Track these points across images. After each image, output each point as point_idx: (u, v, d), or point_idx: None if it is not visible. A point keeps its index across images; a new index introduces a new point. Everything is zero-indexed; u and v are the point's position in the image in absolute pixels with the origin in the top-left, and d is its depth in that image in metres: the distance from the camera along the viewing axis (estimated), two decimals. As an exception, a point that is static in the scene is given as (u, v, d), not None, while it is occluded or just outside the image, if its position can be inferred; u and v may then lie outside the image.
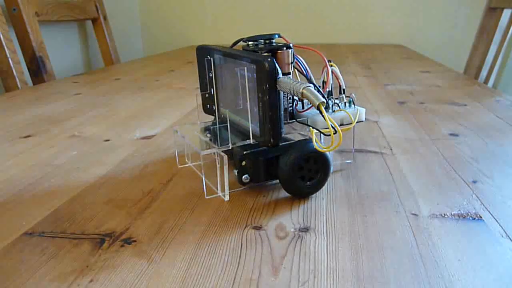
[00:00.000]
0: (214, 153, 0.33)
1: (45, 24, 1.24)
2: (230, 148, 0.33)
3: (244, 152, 0.33)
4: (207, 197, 0.34)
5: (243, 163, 0.33)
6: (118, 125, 0.56)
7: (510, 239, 0.28)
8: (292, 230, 0.29)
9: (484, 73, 1.26)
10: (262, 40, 0.35)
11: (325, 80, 0.36)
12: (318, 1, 1.65)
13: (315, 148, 0.32)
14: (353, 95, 0.37)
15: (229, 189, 0.34)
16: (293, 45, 0.35)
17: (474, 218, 0.31)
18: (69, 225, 0.30)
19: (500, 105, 0.64)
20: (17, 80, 0.96)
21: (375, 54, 1.30)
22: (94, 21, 1.45)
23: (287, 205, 0.33)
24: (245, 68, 0.33)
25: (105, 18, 1.48)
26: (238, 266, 0.25)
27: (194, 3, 1.74)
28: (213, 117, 0.41)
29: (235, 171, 0.34)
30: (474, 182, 0.37)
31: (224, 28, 1.74)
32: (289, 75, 0.35)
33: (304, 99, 0.32)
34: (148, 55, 1.60)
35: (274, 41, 0.35)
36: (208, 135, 0.36)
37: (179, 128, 0.38)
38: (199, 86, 0.40)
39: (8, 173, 0.40)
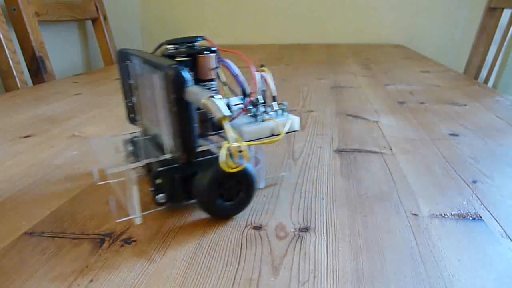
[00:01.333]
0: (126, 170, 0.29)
1: (45, 24, 1.24)
2: (143, 164, 0.29)
3: (159, 169, 0.30)
4: (117, 221, 0.30)
5: (158, 181, 0.30)
6: (118, 125, 0.56)
7: (510, 239, 0.28)
8: (292, 230, 0.29)
9: (484, 73, 1.26)
10: (182, 44, 0.32)
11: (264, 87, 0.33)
12: (318, 1, 1.65)
13: (237, 165, 0.28)
14: (285, 102, 0.34)
15: (145, 210, 0.31)
16: (217, 49, 0.32)
17: (474, 218, 0.31)
18: (69, 225, 0.30)
19: (500, 105, 0.64)
20: (17, 80, 0.96)
21: (375, 54, 1.30)
22: (94, 21, 1.45)
23: (287, 205, 0.33)
24: (156, 76, 0.28)
25: (105, 18, 1.48)
26: (238, 266, 0.25)
27: (194, 3, 1.74)
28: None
29: (150, 190, 0.30)
30: (474, 182, 0.37)
31: (224, 28, 1.74)
32: (212, 82, 0.32)
33: (207, 111, 0.27)
34: (148, 55, 1.60)
35: (196, 44, 0.32)
36: (131, 148, 0.32)
37: (97, 141, 0.33)
38: (122, 93, 0.37)
39: (8, 173, 0.40)
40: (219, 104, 0.26)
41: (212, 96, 0.26)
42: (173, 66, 0.26)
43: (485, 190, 0.35)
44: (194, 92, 0.26)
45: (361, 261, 0.26)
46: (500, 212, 0.32)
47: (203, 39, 0.33)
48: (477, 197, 0.34)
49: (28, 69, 1.07)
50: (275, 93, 0.34)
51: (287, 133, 0.33)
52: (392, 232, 0.29)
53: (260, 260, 0.26)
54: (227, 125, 0.26)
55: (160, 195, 0.30)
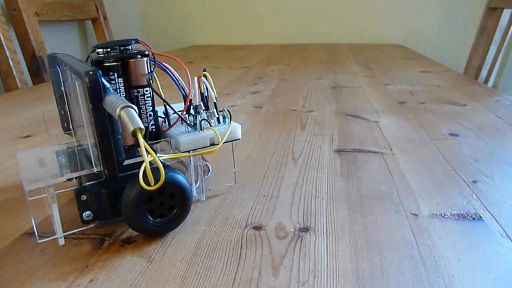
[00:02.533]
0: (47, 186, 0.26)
1: (45, 24, 1.24)
2: (63, 180, 0.27)
3: (85, 184, 0.27)
4: (38, 242, 0.28)
5: (83, 197, 0.27)
6: (118, 125, 0.56)
7: (510, 239, 0.28)
8: (292, 230, 0.29)
9: (484, 73, 1.26)
10: (113, 47, 0.30)
11: (203, 92, 0.32)
12: (318, 1, 1.65)
13: (168, 179, 0.27)
14: (226, 110, 0.32)
15: (70, 229, 0.29)
16: (152, 53, 0.30)
17: (474, 218, 0.31)
18: (69, 225, 0.30)
19: (500, 105, 0.64)
20: (17, 80, 0.96)
21: (375, 54, 1.30)
22: (94, 21, 1.45)
23: (287, 205, 0.33)
24: (77, 83, 0.26)
25: (105, 18, 1.48)
26: (238, 266, 0.25)
27: (194, 3, 1.74)
28: None
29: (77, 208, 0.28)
30: (474, 182, 0.37)
31: (224, 28, 1.74)
32: (146, 88, 0.30)
33: (121, 123, 0.24)
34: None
35: (129, 48, 0.30)
36: (62, 160, 0.30)
37: (24, 154, 0.30)
38: (55, 101, 0.34)
39: (8, 173, 0.40)
40: (131, 116, 0.23)
41: (129, 106, 0.23)
42: (90, 71, 0.24)
43: (485, 190, 0.35)
44: (110, 102, 0.24)
45: (361, 261, 0.26)
46: (500, 212, 0.32)
47: (137, 42, 0.30)
48: (477, 197, 0.34)
49: (28, 69, 1.07)
50: (215, 100, 0.32)
51: (227, 142, 0.31)
52: (392, 232, 0.29)
53: (260, 260, 0.26)
54: (140, 139, 0.23)
55: (86, 213, 0.28)
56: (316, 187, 0.36)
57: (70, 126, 0.34)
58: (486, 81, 1.25)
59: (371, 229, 0.29)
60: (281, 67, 1.05)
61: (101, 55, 0.29)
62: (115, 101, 0.24)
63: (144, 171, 0.24)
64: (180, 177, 0.28)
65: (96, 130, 0.25)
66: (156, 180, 0.24)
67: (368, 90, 0.77)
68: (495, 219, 0.30)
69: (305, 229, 0.29)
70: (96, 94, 0.24)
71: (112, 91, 0.25)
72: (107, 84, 0.25)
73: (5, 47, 0.94)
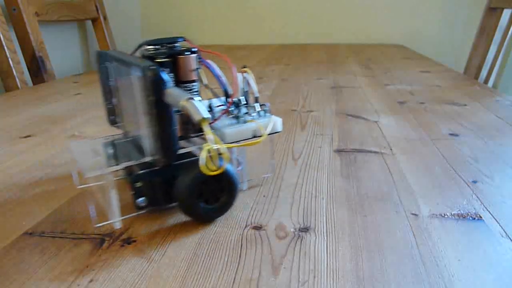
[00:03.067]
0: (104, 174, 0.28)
1: (45, 24, 1.24)
2: (121, 168, 0.28)
3: (139, 172, 0.29)
4: (96, 226, 0.30)
5: (138, 184, 0.29)
6: (118, 125, 0.56)
7: (510, 239, 0.28)
8: (292, 230, 0.29)
9: (484, 73, 1.26)
10: (162, 45, 0.31)
11: (244, 88, 0.34)
12: (318, 1, 1.65)
13: (218, 167, 0.28)
14: (268, 104, 0.34)
15: (127, 214, 0.31)
16: (198, 49, 0.32)
17: (474, 218, 0.31)
18: (69, 225, 0.30)
19: (500, 105, 0.64)
20: (17, 80, 0.96)
21: (375, 54, 1.30)
22: (94, 21, 1.45)
23: (287, 205, 0.33)
24: (135, 77, 0.28)
25: (105, 18, 1.48)
26: (238, 266, 0.25)
27: (194, 3, 1.74)
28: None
29: (131, 194, 0.29)
30: (474, 182, 0.37)
31: (224, 28, 1.74)
32: (193, 83, 0.31)
33: (186, 113, 0.26)
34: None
35: (177, 45, 0.32)
36: (111, 151, 0.31)
37: (77, 144, 0.33)
38: (102, 95, 0.36)
39: (8, 173, 0.40)
40: (198, 106, 0.25)
41: (191, 98, 0.25)
42: (151, 67, 0.26)
43: (485, 190, 0.35)
44: (173, 94, 0.26)
45: (361, 261, 0.26)
46: (500, 212, 0.32)
47: (184, 40, 0.32)
48: (477, 197, 0.34)
49: (28, 69, 1.07)
50: (257, 94, 0.34)
51: (269, 134, 0.32)
52: (392, 232, 0.29)
53: (260, 260, 0.26)
54: (206, 127, 0.25)
55: (140, 199, 0.29)
56: (316, 187, 0.36)
57: (117, 119, 0.36)
58: (486, 81, 1.25)
59: (371, 229, 0.29)
60: (281, 67, 1.05)
61: (152, 52, 0.31)
62: (178, 93, 0.26)
63: (207, 157, 0.26)
64: (230, 167, 0.30)
65: (157, 121, 0.27)
66: (212, 168, 0.27)
67: (368, 90, 0.77)
68: (495, 219, 0.30)
69: (305, 229, 0.29)
70: (158, 87, 0.26)
71: (171, 84, 0.27)
72: (167, 78, 0.26)
73: (5, 47, 0.94)
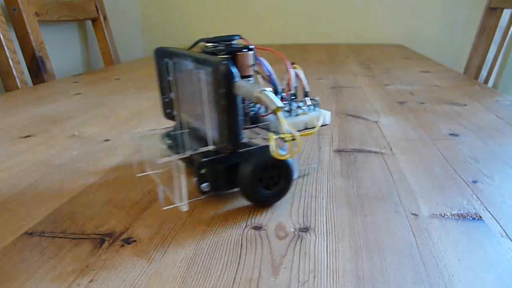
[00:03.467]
0: (172, 161, 0.31)
1: (45, 24, 1.24)
2: (188, 155, 0.31)
3: (203, 159, 0.31)
4: (164, 208, 0.32)
5: (202, 171, 0.31)
6: (118, 125, 0.56)
7: (510, 239, 0.28)
8: (292, 230, 0.29)
9: (484, 73, 1.26)
10: (221, 42, 0.34)
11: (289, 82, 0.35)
12: (318, 1, 1.65)
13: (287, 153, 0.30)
14: (317, 98, 0.36)
15: (189, 199, 0.33)
16: (254, 47, 0.34)
17: (474, 218, 0.31)
18: (69, 225, 0.30)
19: (500, 105, 0.64)
20: (17, 80, 0.96)
21: (375, 54, 1.30)
22: (94, 21, 1.45)
23: (287, 205, 0.33)
24: (203, 71, 0.31)
25: (105, 18, 1.48)
26: (238, 266, 0.25)
27: (194, 3, 1.74)
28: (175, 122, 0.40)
29: (195, 180, 0.32)
30: (474, 182, 0.37)
31: (224, 28, 1.74)
32: (250, 78, 0.34)
33: (260, 103, 0.29)
34: (148, 55, 1.60)
35: (234, 42, 0.34)
36: (169, 141, 0.34)
37: (138, 134, 0.36)
38: (159, 90, 0.39)
39: (8, 173, 0.40)
40: (272, 97, 0.28)
41: (264, 90, 0.28)
42: (224, 62, 0.28)
43: (485, 190, 0.35)
44: (245, 86, 0.28)
45: (361, 261, 0.26)
46: (500, 212, 0.32)
47: (240, 38, 0.34)
48: (477, 197, 0.34)
49: (28, 69, 1.07)
50: (307, 89, 0.36)
51: (322, 126, 0.35)
52: (392, 232, 0.29)
53: (260, 260, 0.26)
54: (281, 116, 0.27)
55: (204, 184, 0.32)
56: (316, 187, 0.36)
57: (173, 112, 0.38)
58: (486, 81, 1.25)
59: (371, 229, 0.29)
60: (281, 67, 1.05)
61: (212, 49, 0.33)
62: (251, 86, 0.28)
63: (276, 144, 0.29)
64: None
65: (227, 112, 0.29)
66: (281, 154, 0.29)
67: (368, 90, 0.77)
68: (495, 219, 0.30)
69: (305, 229, 0.29)
70: (229, 81, 0.28)
71: (239, 78, 0.29)
72: (236, 72, 0.29)
73: (5, 47, 0.94)
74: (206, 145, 0.32)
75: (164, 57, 0.37)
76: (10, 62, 0.95)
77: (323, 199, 0.34)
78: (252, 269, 0.25)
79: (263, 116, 0.35)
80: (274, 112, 0.27)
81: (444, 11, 1.58)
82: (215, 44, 0.33)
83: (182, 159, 0.31)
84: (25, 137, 0.52)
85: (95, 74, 1.01)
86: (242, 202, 0.33)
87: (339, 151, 0.45)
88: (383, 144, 0.47)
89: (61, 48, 1.38)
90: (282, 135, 0.29)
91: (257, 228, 0.30)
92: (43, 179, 0.38)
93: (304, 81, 0.36)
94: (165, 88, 0.38)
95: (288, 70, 0.35)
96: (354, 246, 0.27)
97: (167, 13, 1.77)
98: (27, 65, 1.07)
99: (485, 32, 1.24)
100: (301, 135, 0.32)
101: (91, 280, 0.24)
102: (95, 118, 0.60)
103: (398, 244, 0.27)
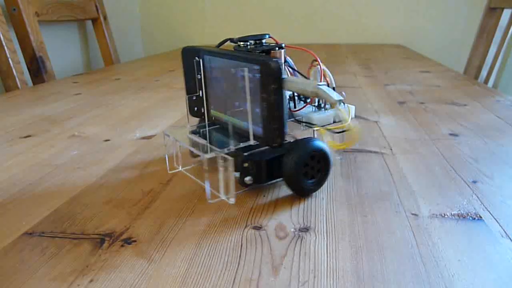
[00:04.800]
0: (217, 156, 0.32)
1: (45, 24, 1.24)
2: (231, 150, 0.33)
3: (247, 153, 0.33)
4: (211, 202, 0.33)
5: (246, 164, 0.33)
6: (118, 125, 0.56)
7: (510, 239, 0.28)
8: (292, 230, 0.29)
9: (484, 73, 1.26)
10: (253, 41, 0.35)
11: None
12: (318, 1, 1.65)
13: (318, 146, 0.33)
14: (343, 93, 0.36)
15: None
16: (285, 45, 0.35)
17: (474, 218, 0.31)
18: (69, 225, 0.30)
19: (500, 105, 0.64)
20: (17, 80, 0.96)
21: (375, 54, 1.30)
22: (94, 21, 1.45)
23: (287, 205, 0.33)
24: (246, 69, 0.32)
25: (105, 18, 1.48)
26: (238, 266, 0.25)
27: (194, 3, 1.74)
28: (199, 120, 0.41)
29: (235, 173, 0.32)
30: (474, 182, 0.37)
31: (224, 28, 1.74)
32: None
33: (315, 97, 0.32)
34: (148, 55, 1.60)
35: (264, 41, 0.36)
36: (196, 137, 0.36)
37: (170, 132, 0.37)
38: (185, 88, 0.40)
39: (8, 173, 0.40)
40: (329, 91, 0.30)
41: (320, 85, 0.30)
42: (274, 59, 0.30)
43: (485, 190, 0.35)
44: (297, 82, 0.31)
45: (361, 261, 0.26)
46: (500, 212, 0.32)
47: (269, 37, 0.37)
48: (477, 197, 0.34)
49: (28, 69, 1.07)
50: (334, 85, 0.37)
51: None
52: (392, 232, 0.29)
53: (260, 260, 0.26)
54: (340, 108, 0.30)
55: (248, 177, 0.33)
56: (316, 187, 0.36)
57: (202, 110, 0.40)
58: (486, 81, 1.25)
59: (371, 229, 0.29)
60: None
61: (244, 47, 0.35)
62: (304, 81, 0.31)
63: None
64: (326, 146, 0.34)
65: (276, 106, 0.31)
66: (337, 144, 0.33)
67: (368, 90, 0.77)
68: (495, 219, 0.30)
69: (305, 229, 0.29)
70: (279, 77, 0.30)
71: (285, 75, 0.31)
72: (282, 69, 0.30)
73: (5, 47, 0.94)
74: (244, 139, 0.34)
75: (193, 56, 0.38)
76: (10, 62, 0.95)
77: (323, 199, 0.34)
78: (252, 269, 0.25)
79: (294, 111, 0.37)
80: (332, 105, 0.30)
81: (444, 11, 1.58)
82: (247, 43, 0.35)
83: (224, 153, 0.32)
84: (25, 137, 0.52)
85: (95, 74, 1.01)
86: (242, 202, 0.33)
87: (339, 151, 0.45)
88: (383, 144, 0.47)
89: (61, 48, 1.38)
90: (339, 126, 0.33)
91: (257, 228, 0.30)
92: (43, 179, 0.38)
93: (331, 78, 0.37)
94: (192, 87, 0.39)
95: (320, 66, 0.36)
96: (354, 246, 0.27)
97: (167, 13, 1.77)
98: (27, 65, 1.07)
99: (485, 32, 1.24)
100: (337, 128, 0.36)
101: (91, 280, 0.24)
102: (95, 118, 0.60)
103: (398, 244, 0.27)
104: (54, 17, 1.21)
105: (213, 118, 0.39)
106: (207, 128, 0.38)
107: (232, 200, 0.33)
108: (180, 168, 0.39)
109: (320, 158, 0.34)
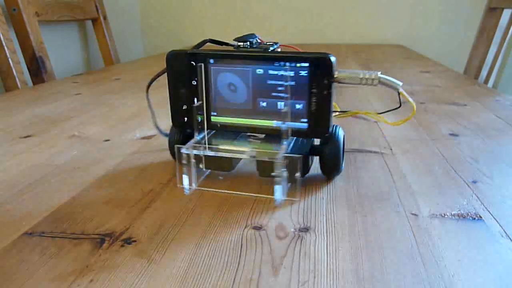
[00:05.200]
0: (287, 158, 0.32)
1: (45, 24, 1.24)
2: (288, 151, 0.34)
3: (301, 153, 0.34)
4: (279, 202, 0.33)
5: (296, 161, 0.34)
6: (118, 125, 0.56)
7: (510, 239, 0.28)
8: (292, 230, 0.29)
9: (484, 73, 1.26)
10: (254, 40, 0.37)
11: None
12: (318, 1, 1.65)
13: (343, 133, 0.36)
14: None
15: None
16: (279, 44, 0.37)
17: (474, 218, 0.31)
18: (69, 225, 0.30)
19: (500, 105, 0.64)
20: (17, 80, 0.96)
21: (375, 54, 1.30)
22: (94, 21, 1.45)
23: (287, 205, 0.33)
24: (287, 67, 0.33)
25: (105, 18, 1.48)
26: (238, 266, 0.25)
27: (194, 4, 1.74)
28: (175, 130, 0.39)
29: (283, 169, 0.33)
30: (474, 182, 0.37)
31: (224, 28, 1.74)
32: None
33: (378, 85, 0.34)
34: (148, 55, 1.60)
35: (254, 40, 0.37)
36: (222, 146, 0.35)
37: (186, 148, 0.34)
38: (170, 97, 0.37)
39: (8, 173, 0.40)
40: (391, 78, 0.33)
41: (378, 73, 0.32)
42: (328, 54, 0.32)
43: (485, 190, 0.35)
44: (355, 72, 0.33)
45: (361, 261, 0.26)
46: (500, 212, 0.32)
47: (257, 37, 0.38)
48: (477, 197, 0.34)
49: (28, 69, 1.07)
50: None
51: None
52: (392, 232, 0.29)
53: (260, 260, 0.26)
54: (404, 92, 0.33)
55: (297, 174, 0.33)
56: (316, 187, 0.36)
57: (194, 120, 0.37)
58: (486, 81, 1.25)
59: (371, 229, 0.29)
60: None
61: (245, 47, 0.36)
62: (357, 72, 0.33)
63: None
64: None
65: (328, 99, 0.33)
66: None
67: (368, 90, 0.77)
68: (495, 219, 0.30)
69: (305, 229, 0.29)
70: (332, 71, 0.33)
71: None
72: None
73: (5, 47, 0.94)
74: (272, 138, 0.35)
75: (183, 61, 0.36)
76: (10, 62, 0.95)
77: (323, 199, 0.34)
78: (252, 269, 0.25)
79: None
80: (396, 89, 0.33)
81: (444, 11, 1.58)
82: (247, 44, 0.36)
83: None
84: (25, 137, 0.52)
85: (95, 74, 1.01)
86: (242, 202, 0.33)
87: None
88: (383, 144, 0.47)
89: (61, 48, 1.38)
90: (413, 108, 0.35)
91: (257, 228, 0.30)
92: (43, 179, 0.38)
93: None
94: (183, 95, 0.37)
95: None
96: (354, 246, 0.27)
97: (167, 13, 1.77)
98: (27, 65, 1.07)
99: (485, 32, 1.24)
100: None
101: (91, 280, 0.24)
102: (95, 118, 0.60)
103: (398, 244, 0.27)
104: (54, 17, 1.21)
105: (219, 125, 0.37)
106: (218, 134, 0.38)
107: (298, 198, 0.34)
108: (194, 186, 0.35)
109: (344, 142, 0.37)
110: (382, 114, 0.40)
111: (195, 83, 0.36)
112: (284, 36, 1.71)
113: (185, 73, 0.36)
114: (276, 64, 0.34)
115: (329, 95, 0.33)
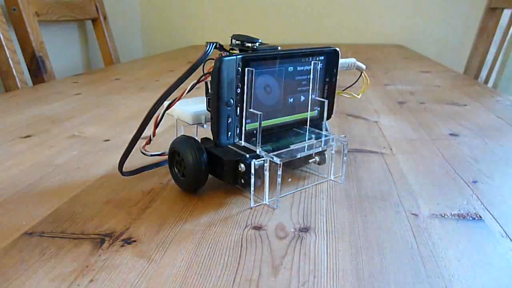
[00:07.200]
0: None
1: (45, 24, 1.24)
2: (324, 148, 0.36)
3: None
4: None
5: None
6: (118, 125, 0.56)
7: (510, 239, 0.28)
8: (292, 230, 0.29)
9: (484, 73, 1.26)
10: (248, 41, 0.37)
11: None
12: (318, 1, 1.65)
13: None
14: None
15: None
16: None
17: (474, 218, 0.31)
18: (69, 225, 0.30)
19: (500, 105, 0.64)
20: (17, 80, 0.96)
21: (375, 54, 1.30)
22: (94, 21, 1.45)
23: (287, 205, 0.33)
24: (313, 61, 0.36)
25: (105, 18, 1.48)
26: (238, 266, 0.25)
27: (194, 3, 1.74)
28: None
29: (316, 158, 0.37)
30: (474, 182, 0.37)
31: (224, 28, 1.74)
32: None
33: (354, 69, 0.40)
34: (148, 55, 1.60)
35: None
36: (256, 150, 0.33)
37: (265, 157, 0.32)
38: (216, 114, 0.32)
39: (8, 173, 0.40)
40: (360, 64, 0.40)
41: (354, 60, 0.40)
42: (335, 48, 0.37)
43: (485, 190, 0.35)
44: (345, 61, 0.39)
45: (361, 261, 0.26)
46: (500, 212, 0.32)
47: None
48: (477, 197, 0.34)
49: (28, 69, 1.07)
50: None
51: None
52: (392, 232, 0.29)
53: (260, 260, 0.26)
54: (365, 74, 0.41)
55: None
56: (316, 187, 0.36)
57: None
58: (486, 81, 1.25)
59: (371, 229, 0.29)
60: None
61: (251, 47, 0.36)
62: (346, 60, 0.39)
63: None
64: None
65: (335, 85, 0.38)
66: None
67: (368, 90, 0.77)
68: (495, 219, 0.30)
69: (305, 229, 0.29)
70: (338, 60, 0.38)
71: None
72: None
73: (5, 47, 0.94)
74: (289, 132, 0.37)
75: (233, 66, 0.32)
76: (10, 62, 0.95)
77: (323, 199, 0.34)
78: (252, 269, 0.25)
79: None
80: (362, 70, 0.40)
81: (444, 11, 1.58)
82: (255, 44, 0.36)
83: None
84: (25, 137, 0.52)
85: (95, 74, 1.01)
86: (242, 202, 0.33)
87: (339, 151, 0.45)
88: (383, 144, 0.47)
89: (61, 48, 1.38)
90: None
91: (257, 228, 0.30)
92: (43, 179, 0.38)
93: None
94: (231, 105, 0.32)
95: None
96: (354, 246, 0.27)
97: (167, 13, 1.77)
98: (27, 65, 1.07)
99: (485, 32, 1.24)
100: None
101: (91, 280, 0.24)
102: (95, 118, 0.60)
103: (398, 244, 0.27)
104: (54, 17, 1.21)
105: (254, 132, 0.34)
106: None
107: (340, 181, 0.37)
108: (266, 201, 0.33)
109: None
110: (346, 90, 0.43)
111: (239, 90, 0.32)
112: (284, 36, 1.71)
113: (235, 80, 0.32)
114: (303, 60, 0.36)
115: (336, 81, 0.37)
